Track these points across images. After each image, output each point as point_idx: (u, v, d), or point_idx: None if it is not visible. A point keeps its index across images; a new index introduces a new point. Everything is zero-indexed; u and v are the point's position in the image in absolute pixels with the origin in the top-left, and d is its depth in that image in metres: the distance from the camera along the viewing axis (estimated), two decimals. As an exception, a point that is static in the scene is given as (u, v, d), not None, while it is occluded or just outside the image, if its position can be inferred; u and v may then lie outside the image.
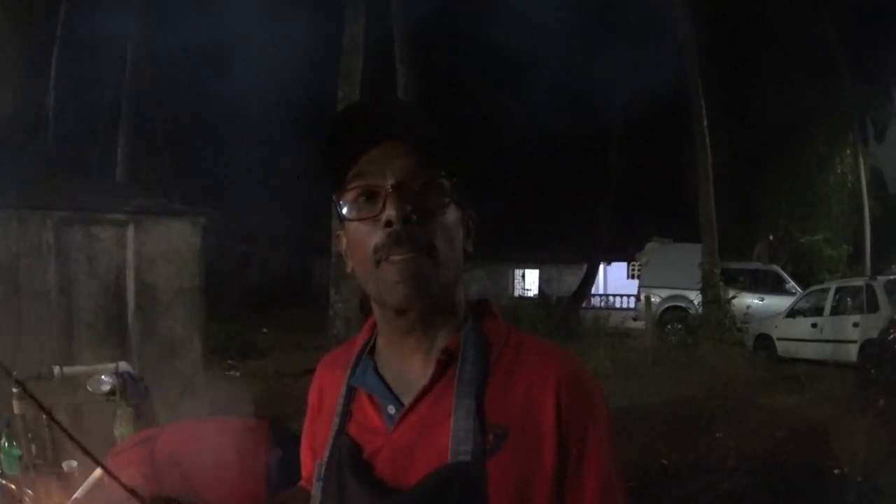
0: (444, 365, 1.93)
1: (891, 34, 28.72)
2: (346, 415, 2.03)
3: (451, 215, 1.93)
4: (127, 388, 5.59)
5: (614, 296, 44.24)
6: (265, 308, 29.13)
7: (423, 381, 1.94)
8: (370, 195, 1.90)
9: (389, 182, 1.88)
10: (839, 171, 35.57)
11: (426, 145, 1.92)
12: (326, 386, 2.17)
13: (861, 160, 34.32)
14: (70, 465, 5.06)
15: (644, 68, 30.80)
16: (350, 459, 1.95)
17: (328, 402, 2.13)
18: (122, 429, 5.39)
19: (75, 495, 3.76)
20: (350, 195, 1.93)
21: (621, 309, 39.08)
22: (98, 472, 2.19)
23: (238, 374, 17.07)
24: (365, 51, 19.93)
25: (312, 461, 2.13)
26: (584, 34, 31.51)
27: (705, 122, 26.59)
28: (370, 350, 2.08)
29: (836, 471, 10.81)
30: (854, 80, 33.08)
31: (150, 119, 29.61)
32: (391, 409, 1.96)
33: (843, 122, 34.66)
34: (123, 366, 5.82)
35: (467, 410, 1.87)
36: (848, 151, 35.31)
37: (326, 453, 2.01)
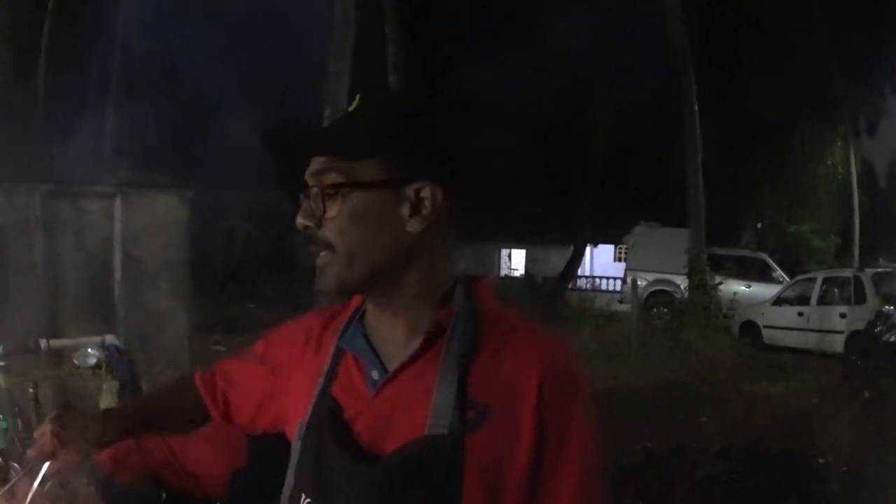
0: (433, 337, 1.95)
1: (883, 28, 28.73)
2: (332, 375, 2.07)
3: (364, 206, 1.94)
4: (113, 361, 5.57)
5: (600, 278, 44.37)
6: (250, 283, 29.09)
7: (409, 350, 1.96)
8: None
9: (303, 193, 2.00)
10: (829, 162, 35.70)
11: (328, 151, 1.98)
12: (313, 337, 2.21)
13: (852, 152, 34.45)
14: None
15: (634, 49, 30.84)
16: (331, 421, 1.98)
17: (310, 354, 2.18)
18: (107, 402, 5.37)
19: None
20: None
21: (607, 291, 39.22)
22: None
23: (223, 348, 17.05)
24: (356, 26, 19.85)
25: (259, 375, 2.33)
26: (575, 13, 31.48)
27: (696, 107, 26.56)
28: (361, 316, 2.11)
29: (819, 460, 10.84)
30: (846, 74, 33.16)
31: (139, 92, 29.51)
32: (375, 375, 1.99)
33: (835, 115, 34.79)
34: (110, 339, 5.79)
35: (450, 385, 1.89)
36: (839, 143, 35.43)
37: (309, 412, 2.04)
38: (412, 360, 1.95)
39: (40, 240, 9.25)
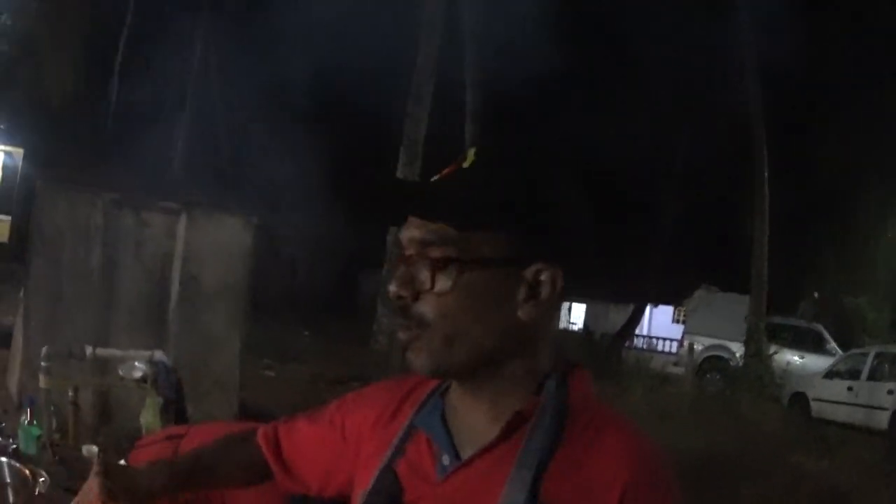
0: (513, 428, 1.79)
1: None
2: (400, 451, 1.94)
3: (478, 287, 1.76)
4: (159, 377, 5.61)
5: (658, 338, 44.04)
6: (308, 313, 29.11)
7: (487, 438, 1.81)
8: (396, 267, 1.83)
9: (397, 258, 1.83)
10: (890, 234, 35.42)
11: (443, 217, 1.75)
12: (391, 406, 2.08)
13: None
14: (90, 450, 5.05)
15: (708, 113, 30.80)
16: (390, 500, 1.88)
17: (383, 423, 2.05)
18: (148, 417, 5.39)
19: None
20: None
21: (663, 352, 38.93)
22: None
23: (273, 374, 17.06)
24: (437, 72, 20.02)
25: (328, 440, 2.16)
26: (649, 74, 31.48)
27: (766, 175, 26.53)
28: (444, 390, 1.98)
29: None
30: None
31: (213, 114, 29.72)
32: (445, 460, 1.86)
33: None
34: (159, 355, 5.83)
35: (523, 481, 1.72)
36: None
37: (369, 486, 1.93)
38: (488, 449, 1.80)
39: (99, 248, 9.31)
